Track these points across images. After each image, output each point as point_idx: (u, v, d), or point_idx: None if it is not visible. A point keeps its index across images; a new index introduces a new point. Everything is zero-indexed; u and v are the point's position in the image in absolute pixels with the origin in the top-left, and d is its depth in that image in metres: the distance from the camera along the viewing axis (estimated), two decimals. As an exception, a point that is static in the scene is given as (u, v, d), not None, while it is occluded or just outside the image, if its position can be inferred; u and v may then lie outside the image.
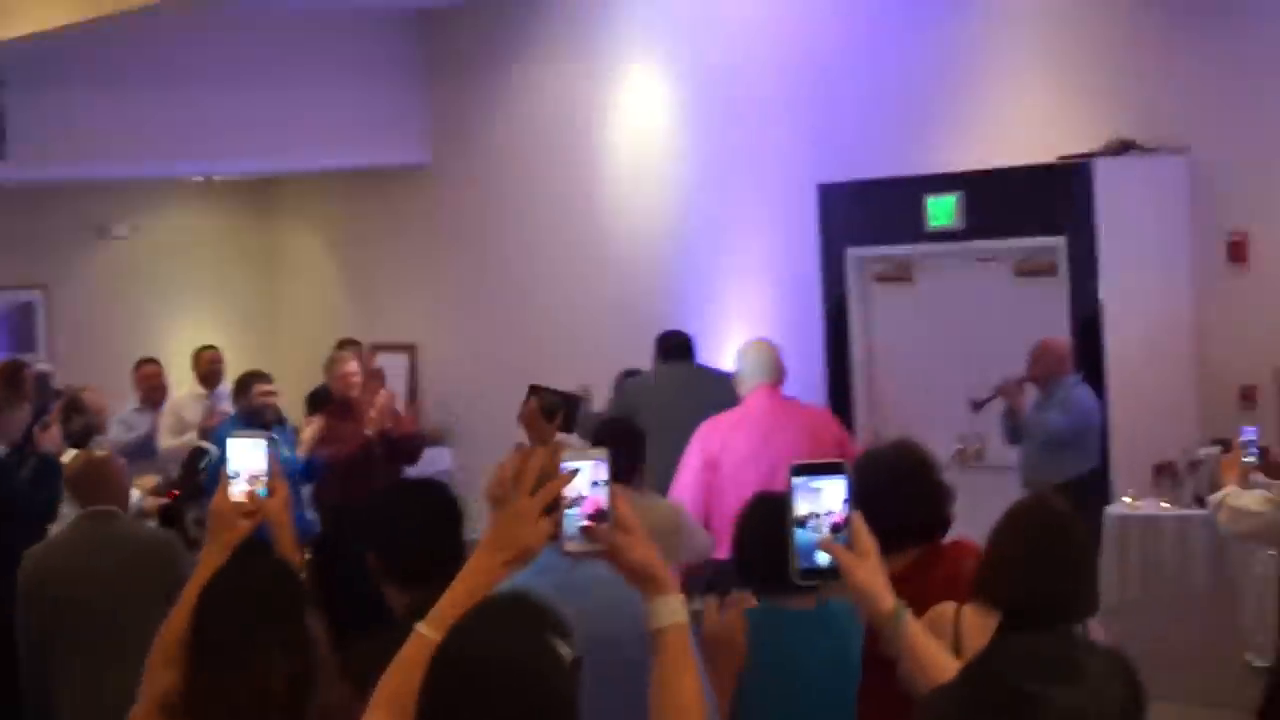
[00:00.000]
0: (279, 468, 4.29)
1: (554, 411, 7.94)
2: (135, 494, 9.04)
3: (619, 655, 3.26)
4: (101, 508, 7.38)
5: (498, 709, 2.63)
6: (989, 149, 12.36)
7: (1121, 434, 11.36)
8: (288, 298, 18.97)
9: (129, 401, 13.55)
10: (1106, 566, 10.89)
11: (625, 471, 6.02)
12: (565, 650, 2.77)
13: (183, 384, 13.98)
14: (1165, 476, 11.16)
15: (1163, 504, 10.96)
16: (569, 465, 3.04)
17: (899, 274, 12.79)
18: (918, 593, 4.94)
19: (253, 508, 4.16)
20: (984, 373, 11.22)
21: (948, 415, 11.65)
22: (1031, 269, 11.90)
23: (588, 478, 3.03)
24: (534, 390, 8.06)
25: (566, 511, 3.03)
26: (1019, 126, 12.43)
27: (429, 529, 4.51)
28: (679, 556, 7.70)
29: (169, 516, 9.90)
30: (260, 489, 4.19)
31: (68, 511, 8.31)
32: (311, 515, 10.81)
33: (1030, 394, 11.13)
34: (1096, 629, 4.95)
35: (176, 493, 10.26)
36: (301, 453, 10.90)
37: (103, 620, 6.97)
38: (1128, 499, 11.02)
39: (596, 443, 6.65)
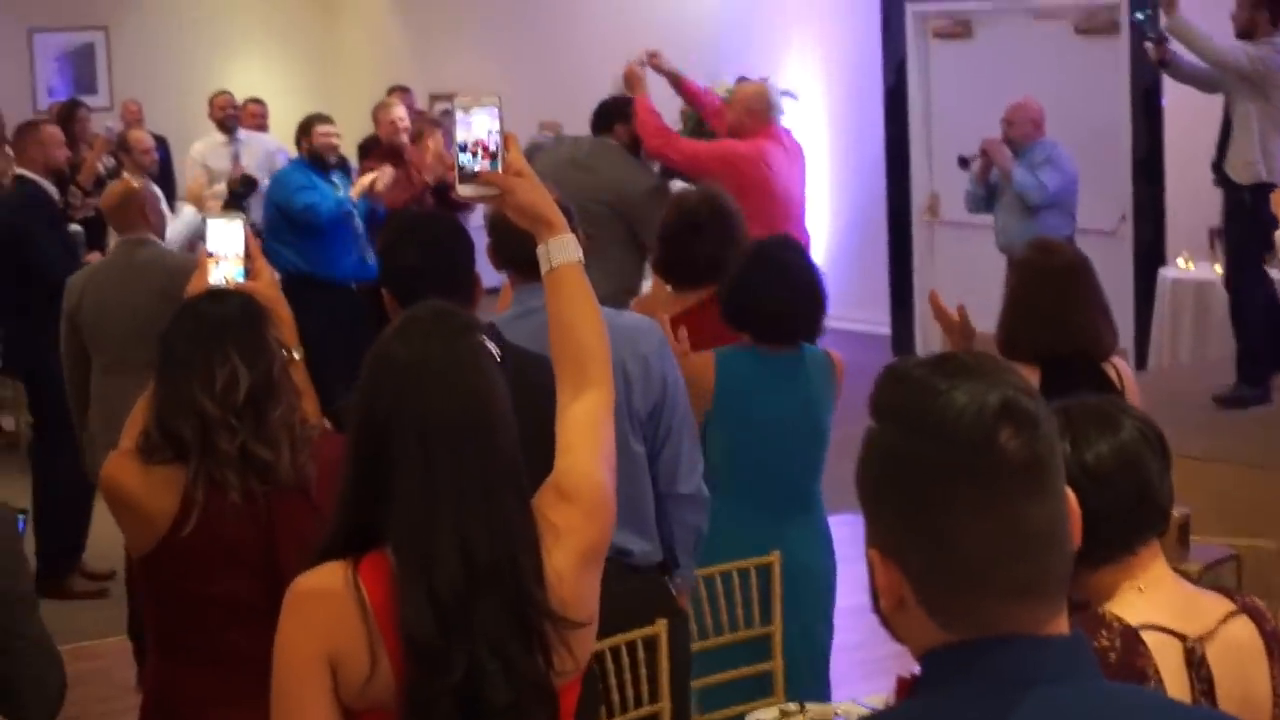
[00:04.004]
0: (258, 248, 4.27)
1: None
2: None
3: None
4: (136, 236, 7.72)
5: (435, 401, 2.78)
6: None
7: (1177, 198, 11.32)
8: (347, 43, 18.90)
9: (210, 137, 13.59)
10: (1158, 328, 10.94)
11: None
12: (494, 348, 2.89)
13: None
14: (1219, 240, 11.14)
15: (1216, 267, 10.96)
16: (460, 110, 3.09)
17: (958, 31, 12.68)
18: (700, 324, 5.55)
19: (231, 290, 4.14)
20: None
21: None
22: (1092, 27, 11.78)
23: (484, 123, 3.07)
24: None
25: (460, 156, 3.08)
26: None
27: (430, 258, 4.33)
28: None
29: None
30: (238, 271, 4.19)
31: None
32: (373, 261, 10.82)
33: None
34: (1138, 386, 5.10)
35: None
36: (354, 193, 10.80)
37: (131, 340, 7.12)
38: (1181, 261, 11.02)
39: None
